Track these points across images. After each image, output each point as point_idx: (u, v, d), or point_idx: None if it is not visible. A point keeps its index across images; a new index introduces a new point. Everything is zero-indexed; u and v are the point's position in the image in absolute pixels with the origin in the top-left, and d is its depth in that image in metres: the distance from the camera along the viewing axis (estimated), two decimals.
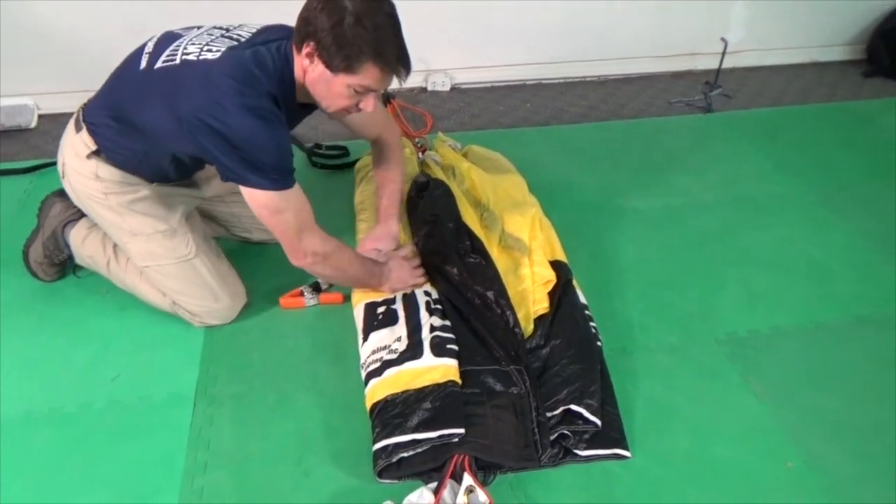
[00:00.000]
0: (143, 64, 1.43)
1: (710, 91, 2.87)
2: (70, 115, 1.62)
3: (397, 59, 1.36)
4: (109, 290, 1.80)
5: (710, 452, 1.43)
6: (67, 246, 1.76)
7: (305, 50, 1.33)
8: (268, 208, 1.41)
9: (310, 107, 1.52)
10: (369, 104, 1.42)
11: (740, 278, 1.90)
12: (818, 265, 1.95)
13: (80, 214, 1.75)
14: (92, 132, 1.51)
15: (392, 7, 1.36)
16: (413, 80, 2.94)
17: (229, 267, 1.72)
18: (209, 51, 1.38)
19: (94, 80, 1.65)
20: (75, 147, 1.53)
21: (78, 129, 1.53)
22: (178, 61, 1.39)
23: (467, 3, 2.78)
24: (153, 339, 1.68)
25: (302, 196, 1.45)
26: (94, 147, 1.51)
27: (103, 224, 1.63)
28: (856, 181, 2.34)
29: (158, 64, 1.41)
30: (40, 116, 2.66)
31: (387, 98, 2.68)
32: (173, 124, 1.36)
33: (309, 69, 1.36)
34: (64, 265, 1.83)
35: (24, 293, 1.80)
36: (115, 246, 1.69)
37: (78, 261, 1.78)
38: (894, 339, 1.71)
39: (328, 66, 1.33)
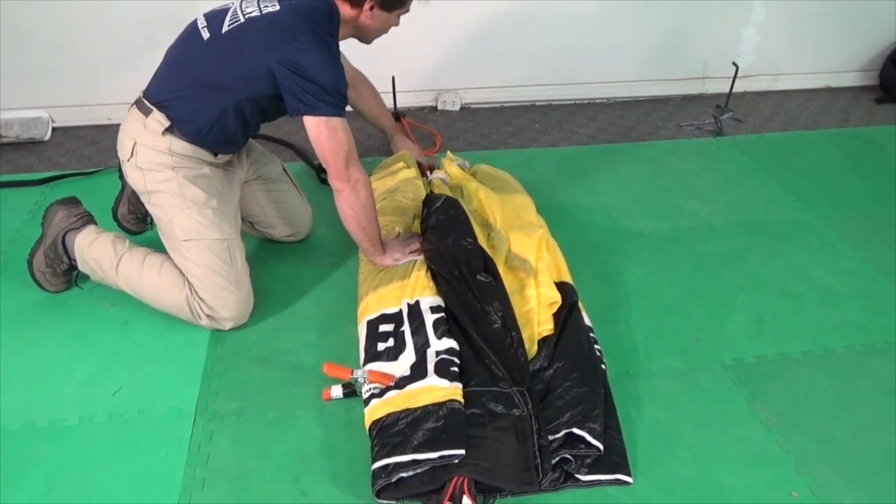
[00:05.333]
0: (207, 35, 1.63)
1: (720, 115, 2.86)
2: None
3: None
4: (114, 302, 1.82)
5: (714, 480, 1.40)
6: (67, 253, 1.79)
7: (366, 6, 1.64)
8: (328, 128, 1.58)
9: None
10: (398, 21, 1.76)
11: (748, 304, 1.88)
12: (828, 292, 1.93)
13: (82, 223, 1.81)
14: (163, 108, 1.65)
15: None
16: (423, 99, 2.99)
17: (249, 272, 1.81)
18: (266, 6, 1.61)
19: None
20: (149, 127, 1.66)
21: (146, 112, 1.66)
22: (242, 20, 1.60)
23: (478, 23, 2.81)
24: (155, 353, 1.68)
25: (349, 127, 1.63)
26: (167, 123, 1.65)
27: (161, 196, 1.69)
28: (867, 208, 2.32)
29: (225, 29, 1.61)
30: (54, 129, 2.70)
31: (397, 116, 2.70)
32: (254, 70, 1.57)
33: (367, 16, 1.66)
34: (67, 275, 1.85)
35: (30, 304, 1.82)
36: (128, 246, 1.78)
37: (80, 266, 1.80)
38: None
39: (386, 9, 1.67)
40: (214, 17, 1.65)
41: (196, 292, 1.70)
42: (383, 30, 1.76)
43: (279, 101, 1.60)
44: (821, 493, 1.38)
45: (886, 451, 1.48)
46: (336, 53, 1.61)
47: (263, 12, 1.59)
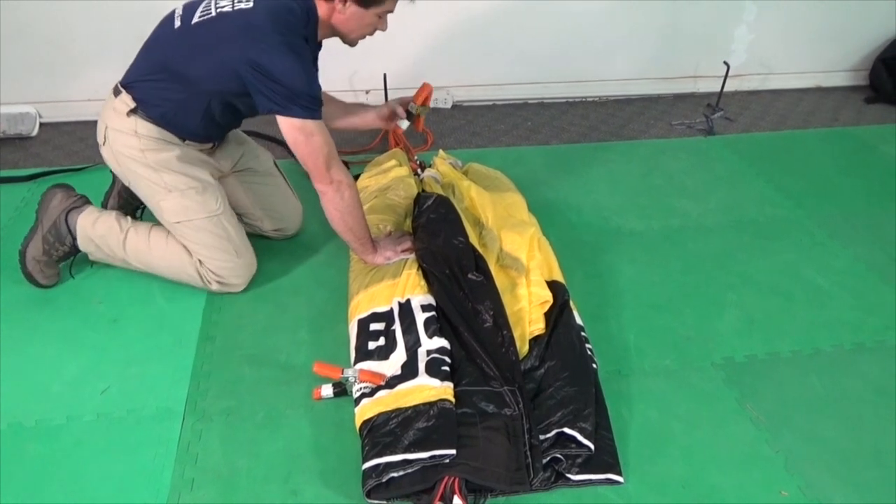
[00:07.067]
0: (178, 24, 1.62)
1: (711, 114, 2.87)
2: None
3: None
4: (103, 300, 1.80)
5: (704, 479, 1.41)
6: (70, 233, 1.79)
7: (338, 1, 1.58)
8: (304, 133, 1.56)
9: (319, 44, 1.73)
10: (384, 25, 1.69)
11: (738, 302, 1.88)
12: (818, 291, 1.94)
13: (82, 202, 1.83)
14: (130, 89, 1.66)
15: None
16: None
17: (245, 235, 1.87)
18: (239, 3, 1.57)
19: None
20: (116, 108, 1.68)
21: (116, 94, 1.69)
22: (214, 14, 1.57)
23: (470, 21, 2.80)
24: (145, 351, 1.67)
25: (326, 129, 1.62)
26: (132, 105, 1.65)
27: (140, 183, 1.73)
28: (856, 207, 2.33)
29: (195, 20, 1.59)
30: (42, 125, 2.68)
31: None
32: (220, 67, 1.55)
33: (340, 11, 1.61)
34: (61, 262, 1.84)
35: (18, 301, 1.80)
36: (132, 221, 1.82)
37: (82, 245, 1.80)
38: (894, 366, 1.69)
39: (361, 4, 1.59)
40: (189, 7, 1.64)
41: (203, 263, 1.75)
42: (363, 29, 1.68)
43: (248, 97, 1.58)
44: (810, 491, 1.39)
45: (875, 450, 1.48)
46: (306, 58, 1.56)
47: (236, 8, 1.56)
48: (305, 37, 1.59)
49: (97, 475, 1.38)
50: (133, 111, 1.65)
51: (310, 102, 1.55)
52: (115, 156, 1.72)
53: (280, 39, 1.50)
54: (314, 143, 1.58)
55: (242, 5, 1.56)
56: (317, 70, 1.69)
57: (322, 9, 1.61)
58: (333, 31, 1.68)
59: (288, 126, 1.56)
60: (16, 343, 1.68)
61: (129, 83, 1.67)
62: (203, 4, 1.61)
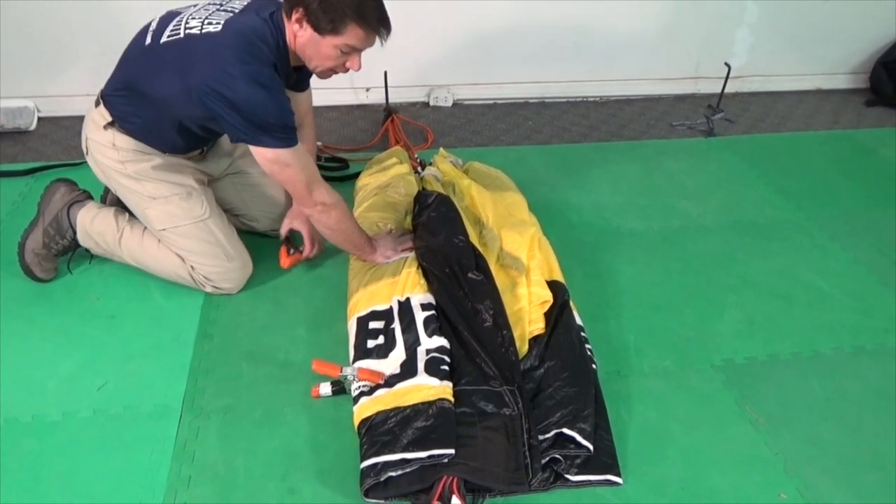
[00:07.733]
0: (149, 40, 1.57)
1: (712, 115, 2.86)
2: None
3: (378, 20, 1.50)
4: (100, 296, 1.79)
5: (703, 481, 1.40)
6: (71, 227, 1.79)
7: (295, 16, 1.48)
8: (277, 164, 1.52)
9: (300, 69, 1.67)
10: (355, 63, 1.57)
11: (738, 304, 1.88)
12: (818, 293, 1.93)
13: (85, 197, 1.85)
14: (106, 104, 1.64)
15: None
16: (415, 95, 2.98)
17: (238, 237, 1.84)
18: (210, 24, 1.50)
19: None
20: (95, 120, 1.66)
21: (97, 104, 1.67)
22: (182, 35, 1.51)
23: (471, 20, 2.80)
24: (142, 348, 1.66)
25: (306, 153, 1.60)
26: (109, 118, 1.63)
27: (124, 193, 1.73)
28: (856, 210, 2.33)
29: (164, 39, 1.53)
30: (40, 119, 2.66)
31: (389, 113, 2.68)
32: (183, 92, 1.49)
33: (299, 33, 1.51)
34: (59, 256, 1.84)
35: (15, 297, 1.79)
36: (129, 219, 1.81)
37: (82, 240, 1.81)
38: (894, 369, 1.69)
39: (316, 29, 1.48)
40: (163, 22, 1.58)
41: (195, 268, 1.75)
42: (323, 60, 1.55)
43: (216, 120, 1.52)
44: (809, 494, 1.38)
45: (874, 453, 1.48)
46: (273, 87, 1.48)
47: (203, 31, 1.49)
48: (275, 62, 1.51)
49: (93, 472, 1.37)
50: (110, 124, 1.64)
51: (280, 131, 1.49)
52: (98, 166, 1.72)
53: (244, 69, 1.43)
54: (290, 172, 1.54)
55: (210, 28, 1.49)
56: (304, 87, 1.70)
57: (288, 31, 1.53)
58: (298, 57, 1.58)
59: (261, 156, 1.52)
60: (12, 338, 1.67)
61: (105, 95, 1.65)
62: (174, 22, 1.55)
